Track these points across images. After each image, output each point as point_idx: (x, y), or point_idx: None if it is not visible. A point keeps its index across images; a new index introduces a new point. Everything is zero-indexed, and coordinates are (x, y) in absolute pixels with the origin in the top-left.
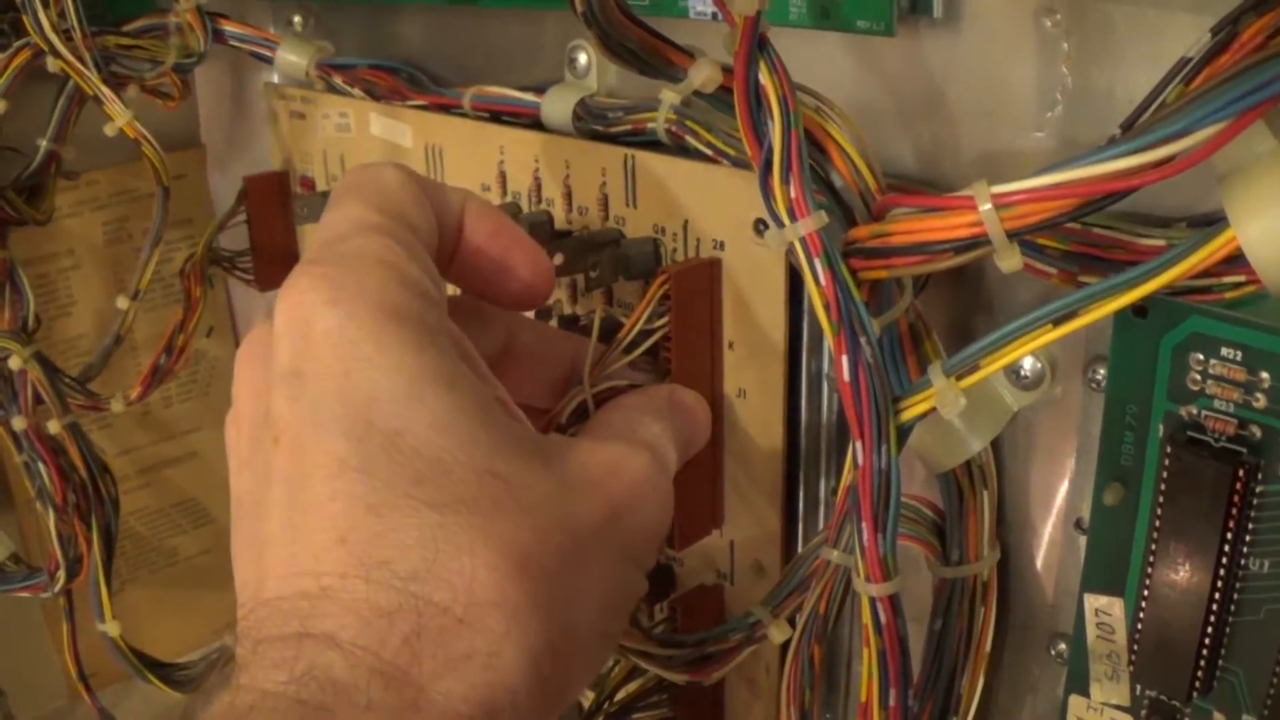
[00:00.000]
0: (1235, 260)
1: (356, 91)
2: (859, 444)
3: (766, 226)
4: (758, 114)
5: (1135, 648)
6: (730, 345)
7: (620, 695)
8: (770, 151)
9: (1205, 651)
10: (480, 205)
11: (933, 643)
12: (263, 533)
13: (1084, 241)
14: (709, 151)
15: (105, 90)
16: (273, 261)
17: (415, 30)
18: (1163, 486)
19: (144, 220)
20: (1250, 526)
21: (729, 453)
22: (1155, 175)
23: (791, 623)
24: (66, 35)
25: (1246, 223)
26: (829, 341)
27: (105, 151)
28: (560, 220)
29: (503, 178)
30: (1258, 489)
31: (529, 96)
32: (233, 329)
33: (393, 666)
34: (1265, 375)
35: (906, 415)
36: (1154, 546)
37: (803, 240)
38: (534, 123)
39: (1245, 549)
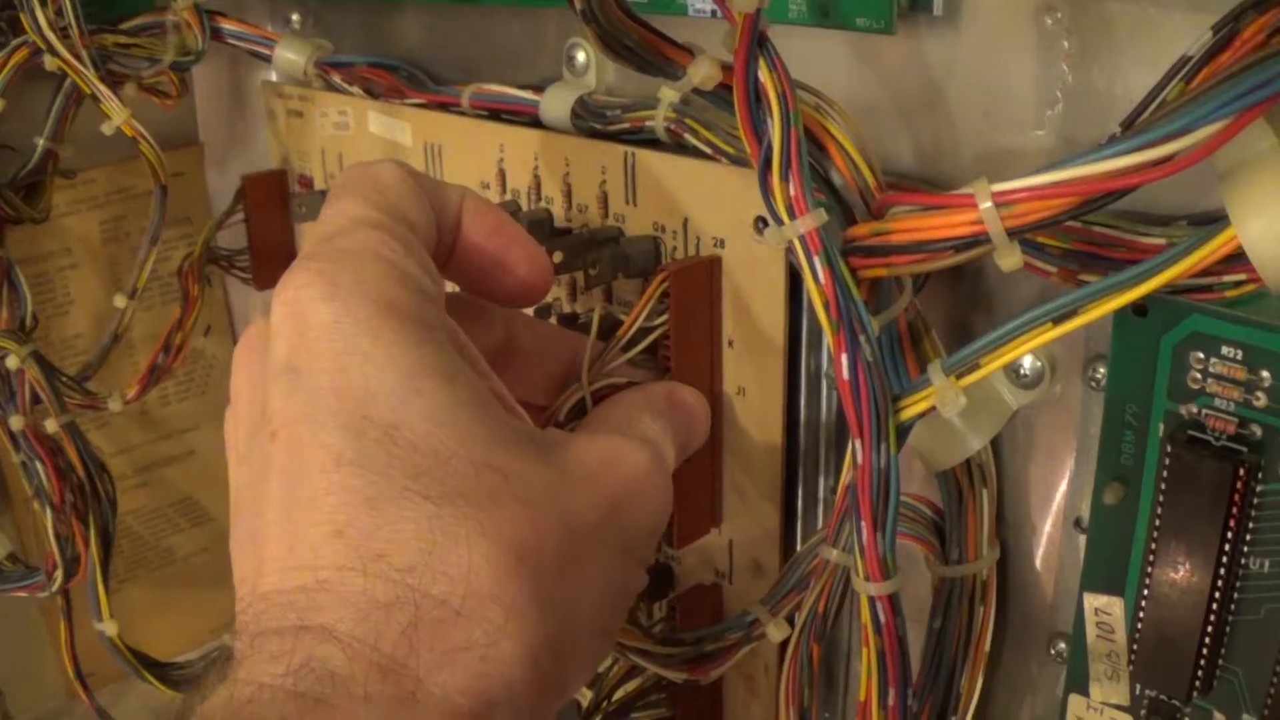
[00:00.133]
0: (1236, 258)
1: (355, 90)
2: (858, 442)
3: (766, 224)
4: (757, 112)
5: (1135, 647)
6: (729, 343)
7: (619, 694)
8: (770, 149)
9: (1205, 651)
10: (478, 202)
11: (932, 642)
12: (260, 527)
13: (1084, 240)
14: (708, 149)
15: (103, 88)
16: (271, 260)
17: (414, 28)
18: (1163, 485)
19: (141, 219)
20: (1250, 526)
21: (728, 451)
22: (1155, 173)
23: (790, 621)
24: (64, 33)
25: (1247, 221)
26: (828, 340)
27: (103, 150)
28: (559, 218)
29: (502, 176)
30: (1258, 488)
31: (528, 94)
32: (230, 328)
33: (390, 659)
34: (1266, 374)
35: (906, 414)
36: (1154, 546)
37: (802, 238)
38: (533, 121)
39: (1245, 548)
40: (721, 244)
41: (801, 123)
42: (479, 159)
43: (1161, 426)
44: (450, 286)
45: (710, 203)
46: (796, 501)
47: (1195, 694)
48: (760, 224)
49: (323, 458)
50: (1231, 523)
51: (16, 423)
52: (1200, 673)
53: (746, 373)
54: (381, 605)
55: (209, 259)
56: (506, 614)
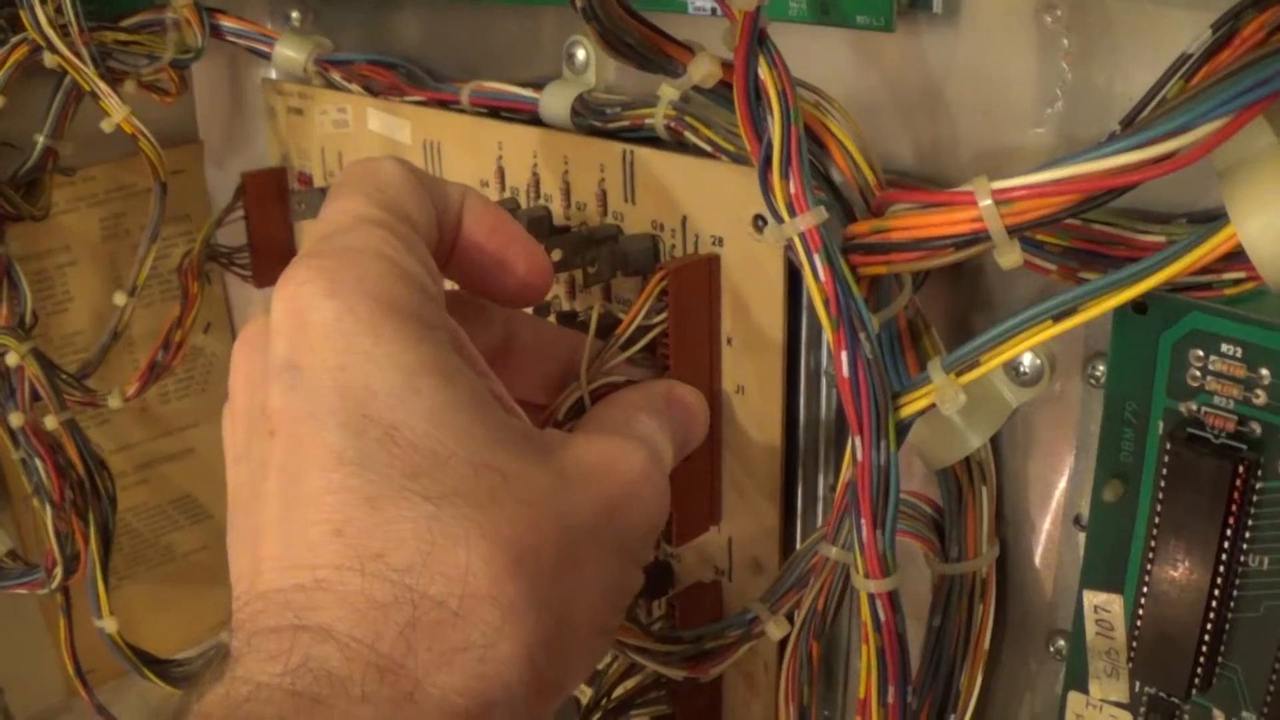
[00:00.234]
0: (1235, 256)
1: (354, 87)
2: (858, 440)
3: (766, 222)
4: (757, 109)
5: (1134, 644)
6: (729, 341)
7: (618, 691)
8: (770, 147)
9: (1204, 648)
10: (479, 200)
11: (931, 639)
12: (258, 525)
13: (1084, 237)
14: (708, 147)
15: (102, 86)
16: (270, 257)
17: (413, 26)
18: (1162, 483)
19: (141, 216)
20: (1250, 523)
21: (727, 449)
22: (1155, 171)
23: (790, 619)
24: (64, 31)
25: (1246, 219)
26: (828, 337)
27: (102, 147)
28: (558, 216)
29: (501, 173)
30: (1257, 486)
31: (527, 92)
32: (230, 325)
33: (388, 659)
34: (1265, 372)
35: (905, 411)
36: (1153, 543)
37: (802, 236)
38: (532, 118)
39: (1245, 545)
40: (720, 242)
41: (801, 120)
42: (478, 157)
43: (1161, 424)
44: (450, 285)
45: (709, 201)
46: (796, 499)
47: (1194, 691)
48: (759, 222)
49: (323, 456)
50: (1231, 520)
51: (16, 420)
52: (1199, 670)
53: (746, 371)
54: (380, 605)
55: (209, 256)
56: (504, 615)
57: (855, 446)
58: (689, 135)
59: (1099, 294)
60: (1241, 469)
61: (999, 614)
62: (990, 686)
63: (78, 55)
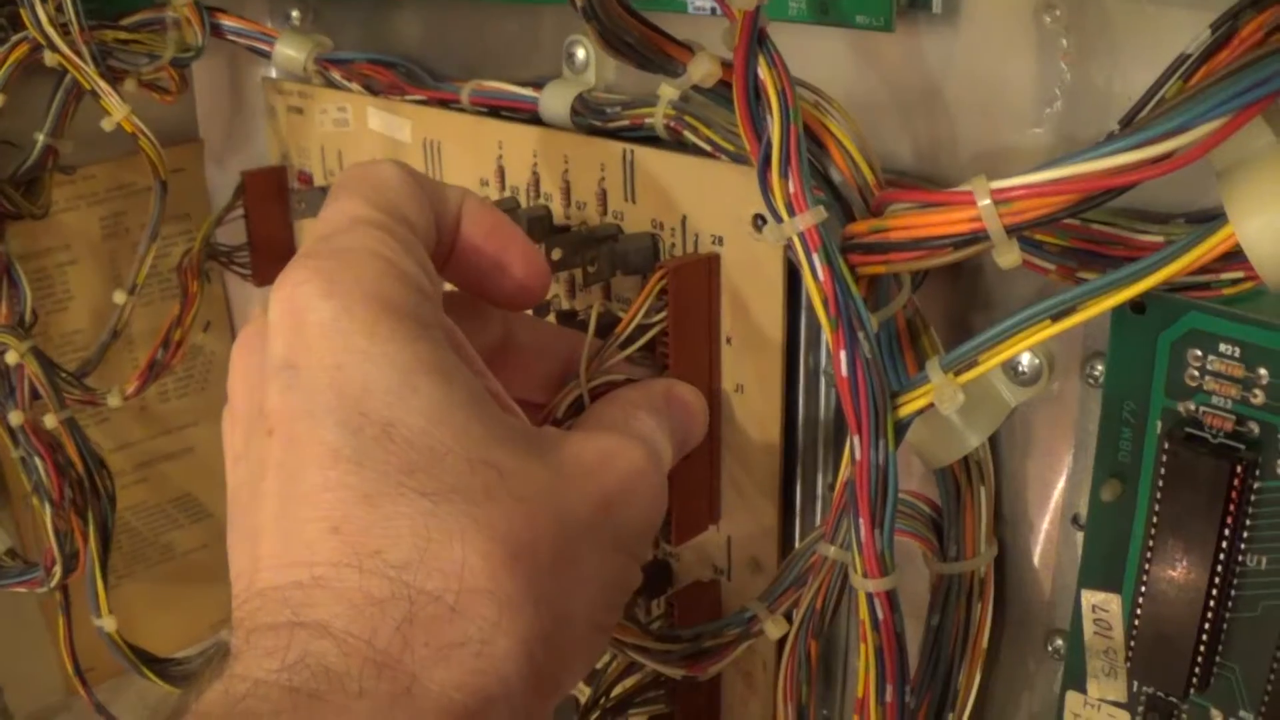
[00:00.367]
0: (1233, 256)
1: (355, 86)
2: (856, 439)
3: (765, 222)
4: (756, 109)
5: (1132, 644)
6: (728, 340)
7: (617, 690)
8: (769, 146)
9: (1202, 648)
10: (478, 203)
11: (930, 638)
12: (257, 523)
13: (1082, 237)
14: (707, 147)
15: (103, 84)
16: (270, 256)
17: (414, 25)
18: (1160, 483)
19: (141, 215)
20: (1247, 523)
21: (726, 448)
22: (1154, 171)
23: (788, 618)
24: (64, 29)
25: (1245, 219)
26: (827, 337)
27: (102, 146)
28: (558, 215)
29: (501, 173)
30: (1255, 485)
31: (527, 91)
32: (230, 324)
33: (385, 655)
34: (1263, 371)
35: (904, 411)
36: (1151, 543)
37: (801, 235)
38: (532, 118)
39: (1242, 545)
40: (720, 241)
41: (801, 120)
42: (478, 156)
43: (1159, 424)
44: (450, 287)
45: (709, 200)
46: (795, 498)
47: (1192, 691)
48: (759, 221)
49: (320, 454)
50: (1229, 520)
51: (16, 418)
52: (1197, 669)
53: (745, 370)
54: (377, 601)
55: (208, 255)
56: (501, 610)
57: (854, 446)
58: (689, 135)
59: (1097, 294)
60: (1239, 469)
61: (997, 613)
62: (988, 686)
63: (78, 54)
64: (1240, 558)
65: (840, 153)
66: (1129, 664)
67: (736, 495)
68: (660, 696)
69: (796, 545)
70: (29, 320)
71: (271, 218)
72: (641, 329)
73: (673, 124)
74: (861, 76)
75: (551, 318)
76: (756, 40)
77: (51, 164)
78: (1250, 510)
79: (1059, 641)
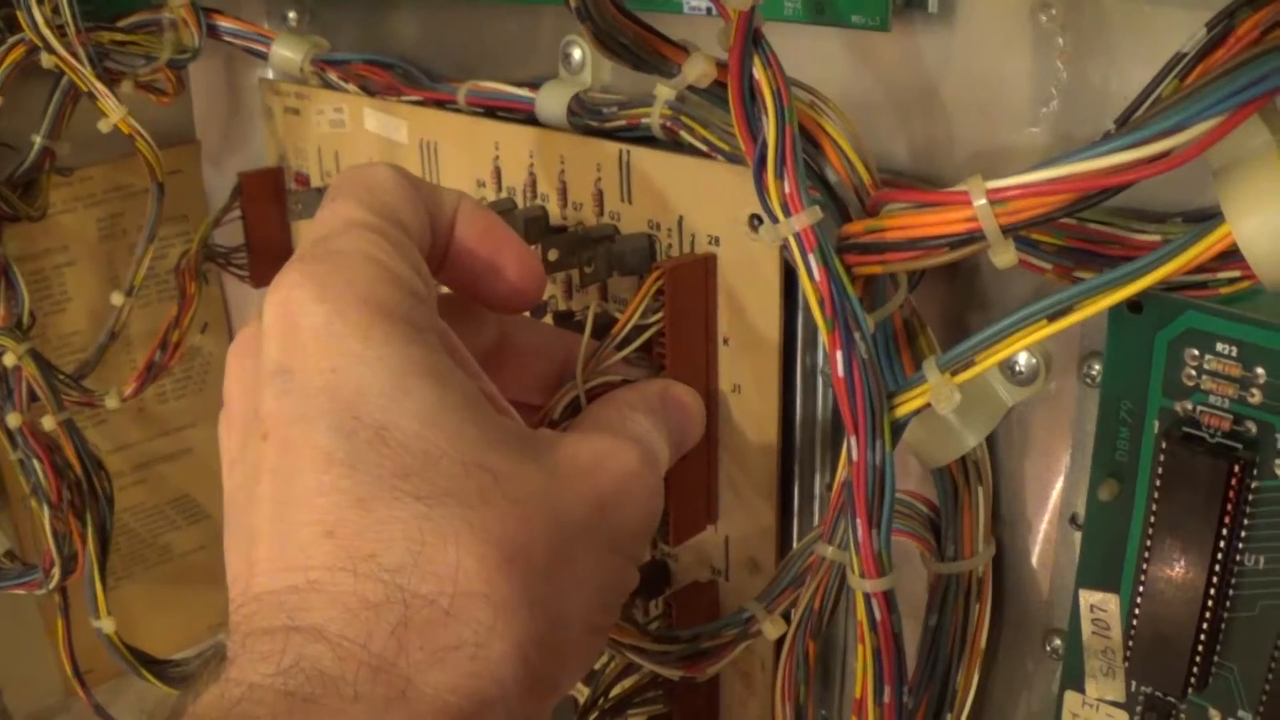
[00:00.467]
0: (1230, 255)
1: (351, 87)
2: (853, 439)
3: (761, 222)
4: (752, 109)
5: (1130, 643)
6: (725, 341)
7: (615, 691)
8: (765, 147)
9: (1200, 647)
10: (472, 206)
11: (928, 638)
12: (253, 528)
13: (1079, 237)
14: (704, 147)
15: (99, 86)
16: (267, 257)
17: (410, 26)
18: (1158, 482)
19: (138, 216)
20: (1245, 522)
21: (723, 448)
22: (1150, 170)
23: (786, 619)
24: (61, 31)
25: (1242, 218)
26: (823, 337)
27: (99, 147)
28: (555, 216)
29: (497, 173)
30: (1253, 484)
31: (524, 92)
32: (228, 325)
33: (380, 658)
34: (1260, 370)
35: (901, 411)
36: (1149, 542)
37: (797, 236)
38: (529, 118)
39: (1240, 545)
40: (716, 242)
41: (796, 120)
42: (474, 156)
43: (1156, 423)
44: (444, 290)
45: (705, 200)
46: (792, 499)
47: (1190, 690)
48: (755, 221)
49: (314, 458)
50: (1226, 519)
51: (14, 420)
52: (1195, 669)
53: (742, 370)
54: (371, 605)
55: (206, 256)
56: (496, 613)
57: (851, 446)
58: (684, 135)
59: (1094, 293)
60: (1237, 468)
61: (995, 613)
62: (987, 686)
63: (75, 55)
64: (1238, 557)
65: (836, 153)
66: (1127, 664)
67: (734, 496)
68: (659, 697)
69: (794, 545)
70: (27, 322)
71: (269, 219)
72: (638, 330)
73: (669, 124)
74: (857, 76)
75: (548, 318)
76: (752, 40)
77: (49, 166)
78: (1248, 509)
79: (1057, 641)
